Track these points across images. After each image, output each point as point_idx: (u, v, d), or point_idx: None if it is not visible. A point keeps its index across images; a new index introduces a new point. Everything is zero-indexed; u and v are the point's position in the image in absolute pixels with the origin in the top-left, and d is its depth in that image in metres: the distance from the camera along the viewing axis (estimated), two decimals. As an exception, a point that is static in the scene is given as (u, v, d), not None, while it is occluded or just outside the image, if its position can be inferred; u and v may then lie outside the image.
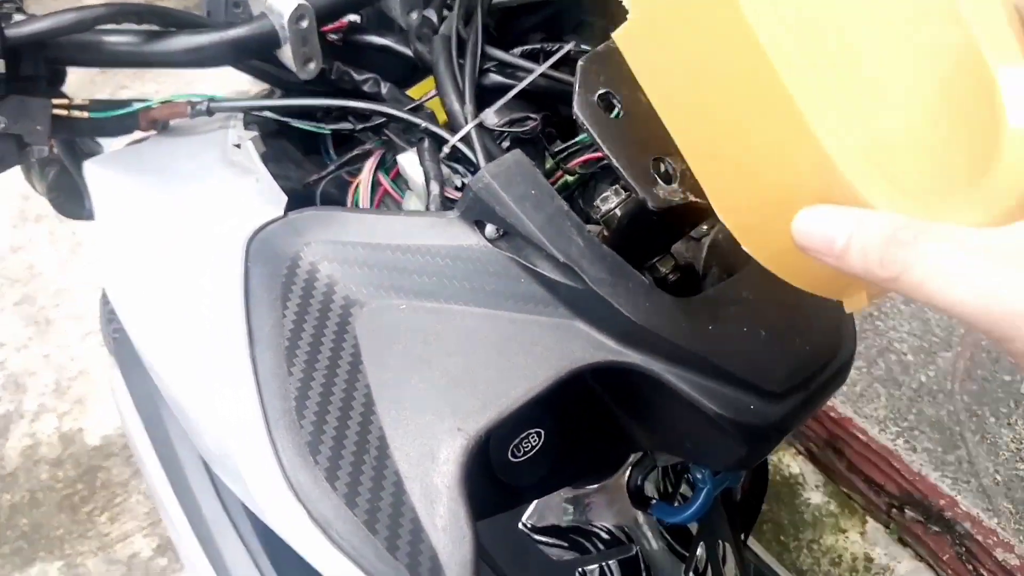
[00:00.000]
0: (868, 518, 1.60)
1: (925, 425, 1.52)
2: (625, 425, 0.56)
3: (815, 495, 1.64)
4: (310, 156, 0.73)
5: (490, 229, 0.47)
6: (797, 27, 0.33)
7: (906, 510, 1.52)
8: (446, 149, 0.60)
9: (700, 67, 0.36)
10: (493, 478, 0.53)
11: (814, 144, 0.32)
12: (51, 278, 1.97)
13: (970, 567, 1.45)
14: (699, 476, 0.63)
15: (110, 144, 0.72)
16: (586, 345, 0.45)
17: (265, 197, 0.50)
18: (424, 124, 0.60)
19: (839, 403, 1.55)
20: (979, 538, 1.40)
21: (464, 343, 0.45)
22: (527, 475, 0.54)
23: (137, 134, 0.67)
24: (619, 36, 0.39)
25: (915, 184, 0.33)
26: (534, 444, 0.53)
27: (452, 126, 0.61)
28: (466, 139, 0.58)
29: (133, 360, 0.71)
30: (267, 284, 0.45)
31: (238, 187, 0.52)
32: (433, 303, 0.46)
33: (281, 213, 0.49)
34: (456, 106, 0.60)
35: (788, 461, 1.69)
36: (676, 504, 0.70)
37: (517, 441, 0.52)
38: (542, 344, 0.45)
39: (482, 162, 0.56)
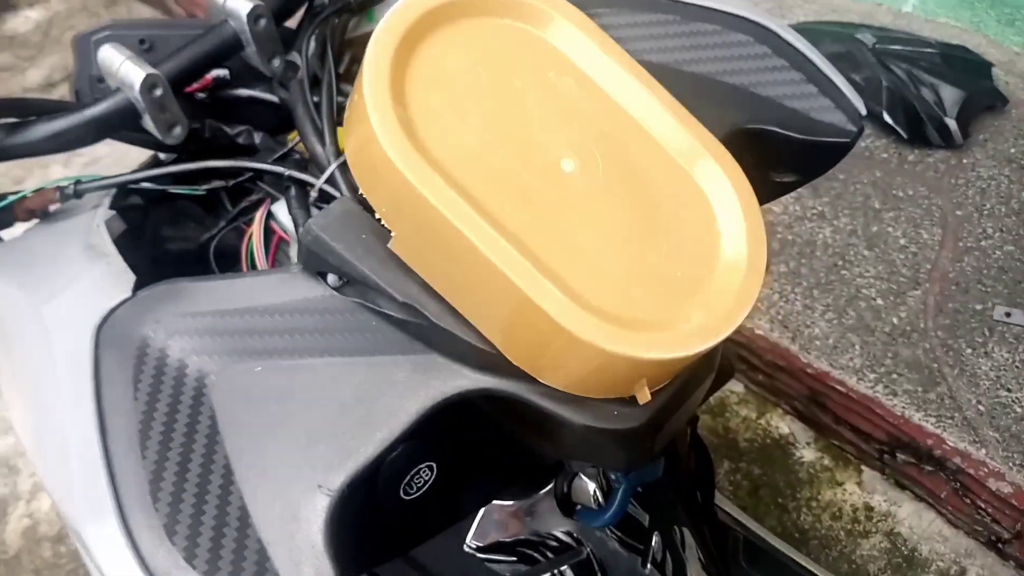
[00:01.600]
0: (863, 467, 1.60)
1: (903, 367, 1.51)
2: (525, 439, 0.56)
3: (807, 452, 1.64)
4: (211, 213, 0.73)
5: (332, 278, 0.47)
6: (508, 216, 0.41)
7: (897, 454, 1.51)
8: (314, 193, 0.59)
9: (446, 261, 0.43)
10: (391, 518, 0.53)
11: (544, 316, 0.40)
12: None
13: (967, 500, 1.44)
14: (613, 477, 0.63)
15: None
16: (444, 377, 0.45)
17: (114, 280, 0.50)
18: (287, 172, 0.60)
19: (814, 359, 1.55)
20: (970, 471, 1.39)
21: (321, 396, 0.45)
22: (427, 509, 0.54)
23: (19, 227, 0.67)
24: (393, 247, 0.45)
25: (637, 313, 0.41)
26: (427, 479, 0.53)
27: (319, 169, 0.61)
28: (332, 180, 0.58)
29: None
30: (118, 369, 0.45)
31: (91, 273, 0.51)
32: (288, 360, 0.46)
33: (128, 294, 0.48)
34: (317, 147, 0.60)
35: (776, 422, 1.68)
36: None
37: (408, 479, 0.52)
38: (401, 384, 0.45)
39: None
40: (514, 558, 0.73)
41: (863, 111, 0.58)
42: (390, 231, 0.44)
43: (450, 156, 0.41)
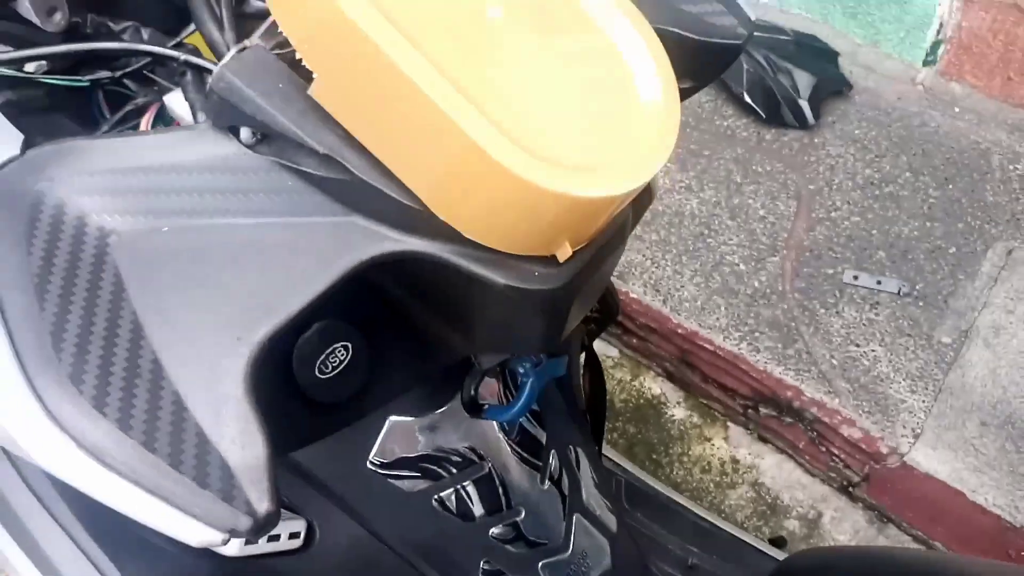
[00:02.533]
0: (729, 423, 1.69)
1: (764, 326, 1.61)
2: (437, 330, 0.56)
3: (678, 411, 1.72)
4: (87, 127, 0.68)
5: (245, 134, 0.45)
6: (442, 56, 0.41)
7: (760, 408, 1.61)
8: (211, 80, 0.57)
9: (375, 102, 0.42)
10: (307, 401, 0.51)
11: (482, 155, 0.40)
12: None
13: (823, 448, 1.55)
14: (521, 371, 0.64)
15: None
16: (364, 238, 0.45)
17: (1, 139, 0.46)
18: (183, 56, 0.57)
19: (684, 319, 1.62)
20: (825, 420, 1.50)
21: (236, 256, 0.43)
22: (340, 392, 0.53)
23: None
24: (313, 92, 0.44)
25: (566, 158, 0.41)
26: (342, 359, 0.52)
27: (216, 56, 0.58)
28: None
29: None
30: (7, 226, 0.41)
31: (-32, 134, 0.47)
32: (198, 220, 0.44)
33: (17, 152, 0.45)
34: (216, 34, 0.58)
35: (649, 384, 1.75)
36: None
37: (324, 357, 0.51)
38: (320, 245, 0.44)
39: None
40: (418, 474, 0.72)
41: (752, 17, 0.62)
42: (311, 75, 0.43)
43: None
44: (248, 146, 0.45)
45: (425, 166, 0.43)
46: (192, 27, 0.66)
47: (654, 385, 1.75)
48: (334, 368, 0.52)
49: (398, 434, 0.72)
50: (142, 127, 0.62)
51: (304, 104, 0.44)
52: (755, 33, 2.02)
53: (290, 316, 0.42)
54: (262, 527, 0.37)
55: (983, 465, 1.42)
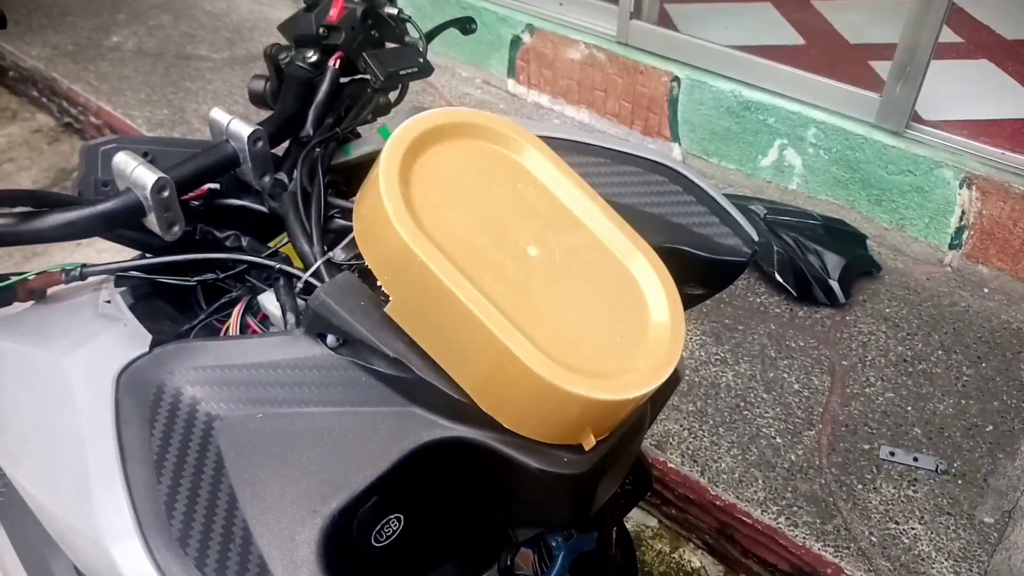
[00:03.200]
0: (769, 600, 1.67)
1: (802, 500, 1.62)
2: (477, 505, 0.63)
3: (718, 586, 1.70)
4: (184, 312, 0.80)
5: (331, 339, 0.56)
6: (489, 284, 0.51)
7: None
8: (299, 284, 0.69)
9: (436, 319, 0.53)
10: (361, 569, 0.59)
11: (518, 363, 0.50)
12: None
13: None
14: (554, 544, 0.70)
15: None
16: (422, 426, 0.54)
17: (132, 339, 0.57)
18: (277, 265, 0.69)
19: (722, 491, 1.65)
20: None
21: (315, 439, 0.52)
22: (393, 560, 0.60)
23: (16, 306, 0.73)
24: (389, 311, 0.55)
25: (589, 366, 0.51)
26: (395, 528, 0.59)
27: (305, 265, 0.70)
28: (317, 275, 0.68)
29: (18, 519, 0.73)
30: (136, 410, 0.52)
31: (108, 333, 0.59)
32: (286, 409, 0.53)
33: (146, 349, 0.56)
34: (305, 247, 0.70)
35: (688, 556, 1.75)
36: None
37: (379, 527, 0.59)
38: (384, 430, 0.53)
39: None
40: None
41: (756, 237, 0.72)
42: (387, 298, 0.53)
43: (443, 237, 0.52)
44: (332, 349, 0.56)
45: (473, 369, 0.52)
46: (284, 237, 0.80)
47: (694, 558, 1.75)
48: (387, 537, 0.59)
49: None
50: (233, 317, 0.73)
51: (379, 318, 0.54)
52: (785, 217, 2.15)
53: (359, 491, 0.51)
54: None
55: (1035, 656, 1.38)
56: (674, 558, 1.75)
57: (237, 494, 0.49)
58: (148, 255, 0.81)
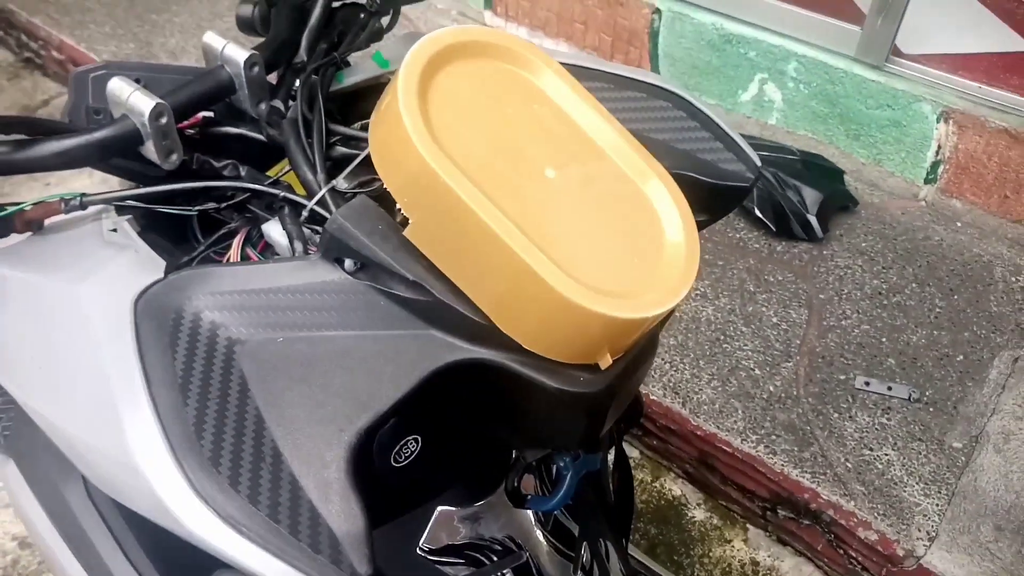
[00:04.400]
0: (748, 525, 1.73)
1: (780, 429, 1.67)
2: (491, 426, 0.65)
3: (698, 512, 1.76)
4: (180, 244, 0.79)
5: (348, 264, 0.55)
6: (509, 205, 0.51)
7: (778, 510, 1.66)
8: (305, 213, 0.68)
9: (456, 240, 0.52)
10: (380, 487, 0.60)
11: (540, 281, 0.50)
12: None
13: (840, 551, 1.59)
14: (562, 464, 0.72)
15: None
16: (441, 348, 0.54)
17: (145, 264, 0.57)
18: (283, 193, 0.69)
19: (703, 422, 1.69)
20: (842, 522, 1.55)
21: (337, 362, 0.53)
22: (410, 479, 0.61)
23: (13, 237, 0.71)
24: (408, 233, 0.55)
25: (608, 285, 0.52)
26: (413, 449, 0.60)
27: (308, 194, 0.69)
28: (322, 202, 0.67)
29: (28, 451, 0.73)
30: (156, 335, 0.51)
31: (119, 260, 0.58)
32: (306, 332, 0.54)
33: (161, 275, 0.55)
34: (309, 176, 0.69)
35: (669, 485, 1.80)
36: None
37: (398, 448, 0.60)
38: (405, 353, 0.54)
39: None
40: (462, 560, 0.79)
41: (758, 163, 0.73)
42: (405, 221, 0.53)
43: (462, 158, 0.51)
44: (350, 273, 0.56)
45: (493, 289, 0.53)
46: (286, 166, 0.78)
47: (674, 486, 1.80)
48: (406, 458, 0.60)
49: (445, 523, 0.79)
50: (233, 248, 0.72)
51: (398, 241, 0.54)
52: (764, 152, 2.16)
53: (382, 411, 0.51)
54: None
55: (999, 570, 1.45)
56: (655, 487, 1.80)
57: (264, 416, 0.50)
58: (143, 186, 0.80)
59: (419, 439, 0.61)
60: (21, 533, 1.68)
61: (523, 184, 0.53)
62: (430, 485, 0.65)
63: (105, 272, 0.57)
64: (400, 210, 0.54)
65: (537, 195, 0.53)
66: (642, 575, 1.28)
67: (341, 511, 0.47)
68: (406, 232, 0.54)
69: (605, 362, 0.55)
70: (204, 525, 0.45)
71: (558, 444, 0.69)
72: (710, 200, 0.72)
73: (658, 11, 2.42)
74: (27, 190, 2.36)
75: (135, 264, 0.57)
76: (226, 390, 0.50)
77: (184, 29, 2.95)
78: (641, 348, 0.59)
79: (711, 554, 1.69)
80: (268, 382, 0.51)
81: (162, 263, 0.57)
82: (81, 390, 0.52)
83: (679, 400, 1.74)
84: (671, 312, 0.71)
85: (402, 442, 0.60)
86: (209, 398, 0.50)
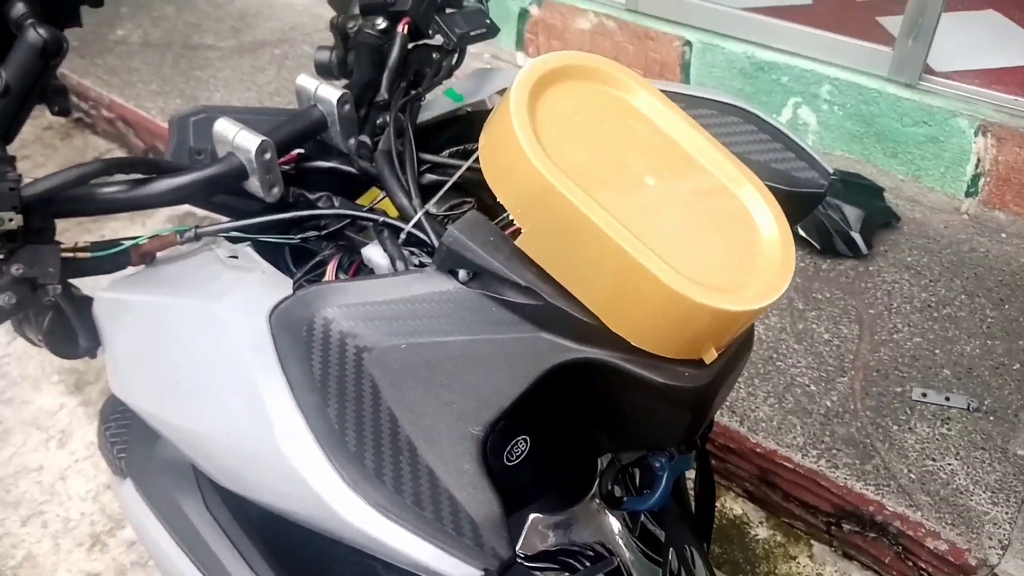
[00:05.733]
0: (812, 541, 1.73)
1: (840, 443, 1.68)
2: (593, 427, 0.68)
3: (761, 530, 1.76)
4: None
5: (462, 274, 0.60)
6: (617, 210, 0.55)
7: (843, 524, 1.65)
8: (403, 236, 0.73)
9: (567, 245, 0.56)
10: (498, 479, 0.63)
11: (649, 276, 0.54)
12: (-22, 472, 1.94)
13: (909, 563, 1.58)
14: (657, 464, 0.74)
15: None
16: (551, 349, 0.58)
17: (273, 282, 0.61)
18: (382, 219, 0.73)
19: (762, 439, 1.70)
20: (910, 533, 1.54)
21: (456, 365, 0.57)
22: (520, 479, 0.64)
23: (129, 270, 0.77)
24: (520, 243, 0.58)
25: (712, 281, 0.55)
26: (523, 449, 0.64)
27: (404, 218, 0.74)
28: (418, 226, 0.72)
29: (145, 470, 0.78)
30: (292, 345, 0.56)
31: (249, 279, 0.63)
32: (427, 338, 0.58)
33: (290, 291, 0.60)
34: (405, 201, 0.74)
35: (731, 504, 1.81)
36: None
37: (510, 447, 0.63)
38: (519, 355, 0.57)
39: (434, 239, 0.69)
40: (556, 566, 0.82)
41: (830, 170, 0.77)
42: (516, 232, 0.57)
43: (570, 169, 0.56)
44: (463, 283, 0.60)
45: (603, 289, 0.56)
46: (375, 195, 0.83)
47: (735, 505, 1.81)
48: (517, 457, 0.64)
49: (537, 530, 0.82)
50: (328, 273, 0.77)
51: (509, 250, 0.58)
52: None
53: (503, 409, 0.55)
54: (506, 568, 0.49)
55: (1075, 577, 1.44)
56: (716, 507, 1.81)
57: (396, 415, 0.53)
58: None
59: (528, 439, 0.64)
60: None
61: (627, 191, 0.57)
62: (532, 489, 0.68)
63: (238, 290, 0.61)
64: (505, 222, 0.58)
65: (640, 201, 0.57)
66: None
67: (478, 499, 0.50)
68: (518, 242, 0.58)
69: (710, 356, 0.58)
70: (358, 514, 0.49)
71: (659, 442, 0.72)
72: (787, 207, 0.76)
73: (688, 43, 2.48)
74: (111, 231, 2.45)
75: (264, 283, 0.62)
76: (360, 393, 0.54)
77: (228, 84, 3.06)
78: (740, 344, 0.62)
79: (777, 572, 1.69)
80: (396, 385, 0.55)
81: (289, 281, 0.61)
82: (229, 400, 0.56)
83: (736, 419, 1.75)
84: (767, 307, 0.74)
85: (513, 441, 0.63)
86: (346, 400, 0.54)
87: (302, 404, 0.53)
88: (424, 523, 0.49)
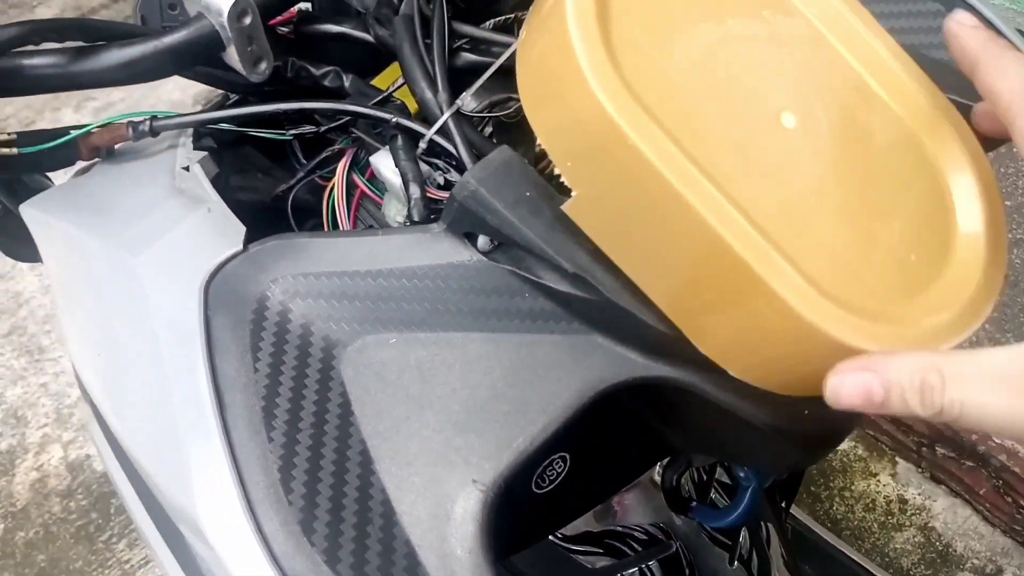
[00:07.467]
0: (898, 459, 1.56)
1: (949, 359, 1.47)
2: (657, 430, 0.50)
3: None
4: (279, 162, 0.66)
5: (483, 240, 0.41)
6: (726, 173, 0.34)
7: (936, 448, 1.47)
8: (422, 145, 0.53)
9: (639, 223, 0.36)
10: (519, 514, 0.47)
11: (768, 293, 0.33)
12: (39, 304, 1.91)
13: (1008, 499, 1.41)
14: (742, 475, 0.57)
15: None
16: (608, 362, 0.39)
17: (219, 229, 0.43)
18: (394, 119, 0.53)
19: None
20: (1016, 470, 1.35)
21: (468, 376, 0.39)
22: (557, 503, 0.48)
23: (80, 164, 0.60)
24: (568, 208, 0.38)
25: (869, 303, 0.34)
26: (560, 471, 0.47)
27: (426, 117, 0.54)
28: (443, 130, 0.52)
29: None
30: (232, 334, 0.39)
31: (188, 222, 0.45)
32: (427, 333, 0.40)
33: (240, 247, 0.42)
34: (428, 94, 0.54)
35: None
36: (712, 503, 0.64)
37: (541, 470, 0.46)
38: (558, 366, 0.39)
39: (464, 154, 0.49)
40: (601, 550, 0.67)
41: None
42: (568, 189, 0.37)
43: (658, 102, 0.34)
44: (483, 253, 0.41)
45: (691, 294, 0.37)
46: (394, 74, 0.63)
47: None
48: (551, 481, 0.47)
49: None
50: (337, 176, 0.59)
51: (552, 215, 0.38)
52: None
53: (529, 452, 0.38)
54: None
55: None
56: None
57: (372, 454, 0.37)
58: (232, 96, 0.66)
59: (567, 457, 0.47)
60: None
61: (748, 138, 0.35)
62: (580, 504, 0.52)
63: (170, 238, 0.44)
64: (557, 172, 0.38)
65: (768, 154, 0.36)
66: (804, 567, 1.15)
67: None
68: (565, 206, 0.37)
69: None
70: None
71: (760, 467, 0.54)
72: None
73: None
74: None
75: (207, 228, 0.44)
76: (323, 415, 0.37)
77: None
78: None
79: (853, 487, 1.54)
80: (376, 403, 0.38)
81: (241, 228, 0.43)
82: (141, 401, 0.40)
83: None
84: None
85: (547, 461, 0.46)
86: (301, 429, 0.37)
87: (233, 437, 0.36)
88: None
